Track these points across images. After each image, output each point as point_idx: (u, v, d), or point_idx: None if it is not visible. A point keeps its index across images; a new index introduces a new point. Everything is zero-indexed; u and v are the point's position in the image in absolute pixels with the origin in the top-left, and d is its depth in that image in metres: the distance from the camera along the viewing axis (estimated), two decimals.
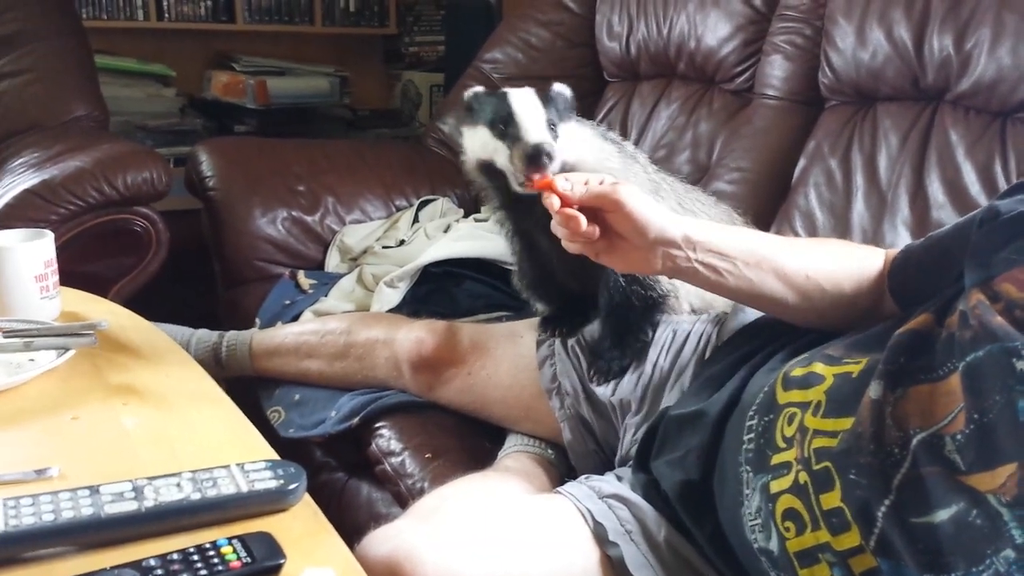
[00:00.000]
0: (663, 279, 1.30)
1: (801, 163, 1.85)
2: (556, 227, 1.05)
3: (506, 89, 1.23)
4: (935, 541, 0.80)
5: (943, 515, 0.79)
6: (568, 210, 1.02)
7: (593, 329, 1.38)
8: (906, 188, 1.67)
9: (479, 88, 1.27)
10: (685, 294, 1.35)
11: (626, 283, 1.28)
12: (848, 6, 1.83)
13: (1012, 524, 0.76)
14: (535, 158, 1.10)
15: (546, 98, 1.21)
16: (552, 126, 1.18)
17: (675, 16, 2.17)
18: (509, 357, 1.44)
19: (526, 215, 1.29)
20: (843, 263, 1.09)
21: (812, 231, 1.77)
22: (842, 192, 1.76)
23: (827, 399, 0.93)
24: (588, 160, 1.23)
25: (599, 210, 1.03)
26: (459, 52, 2.89)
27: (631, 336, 1.32)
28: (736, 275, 1.06)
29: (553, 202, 1.03)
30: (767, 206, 1.85)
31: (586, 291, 1.37)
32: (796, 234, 1.79)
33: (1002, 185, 1.54)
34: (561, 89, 1.24)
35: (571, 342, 1.38)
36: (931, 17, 1.69)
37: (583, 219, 1.02)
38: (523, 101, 1.19)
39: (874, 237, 1.66)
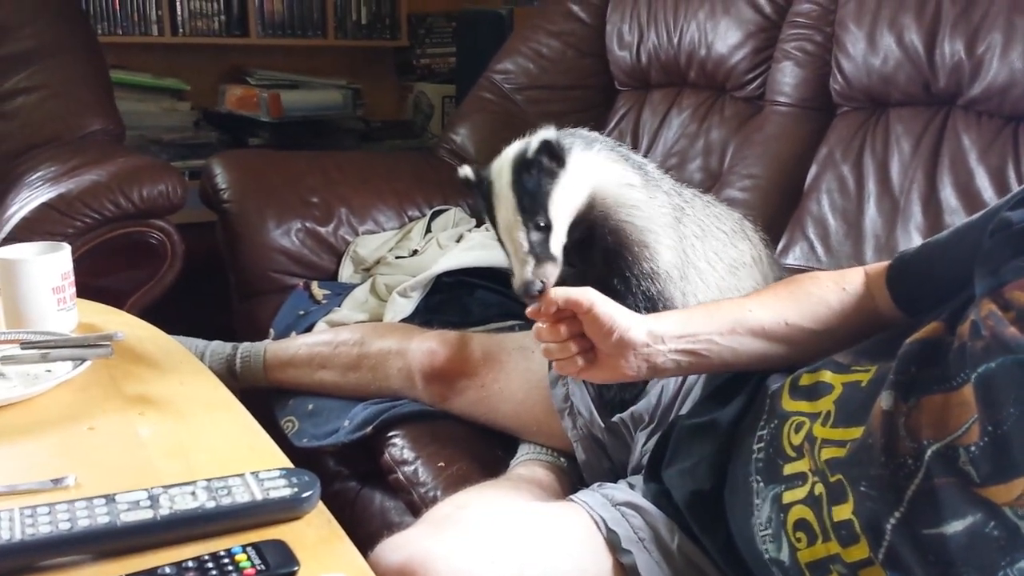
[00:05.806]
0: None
1: (813, 170, 1.85)
2: (545, 351, 1.09)
3: (490, 180, 1.20)
4: (946, 553, 0.79)
5: (957, 526, 0.79)
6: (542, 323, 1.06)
7: None
8: (919, 193, 1.66)
9: (468, 172, 1.25)
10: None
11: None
12: (859, 12, 1.83)
13: None
14: (522, 295, 1.12)
15: (525, 185, 1.15)
16: (539, 226, 1.15)
17: (685, 24, 2.18)
18: (521, 372, 1.44)
19: None
20: (818, 297, 1.08)
21: (825, 237, 1.77)
22: (854, 198, 1.75)
23: (836, 409, 0.93)
24: (608, 190, 1.21)
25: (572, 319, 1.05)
26: (470, 63, 2.91)
27: None
28: (717, 350, 1.05)
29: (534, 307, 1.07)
30: (779, 213, 1.85)
31: None
32: (809, 241, 1.78)
33: (1016, 189, 1.53)
34: (540, 146, 1.16)
35: None
36: (942, 22, 1.69)
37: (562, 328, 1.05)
38: (506, 220, 1.17)
39: (887, 242, 1.66)
